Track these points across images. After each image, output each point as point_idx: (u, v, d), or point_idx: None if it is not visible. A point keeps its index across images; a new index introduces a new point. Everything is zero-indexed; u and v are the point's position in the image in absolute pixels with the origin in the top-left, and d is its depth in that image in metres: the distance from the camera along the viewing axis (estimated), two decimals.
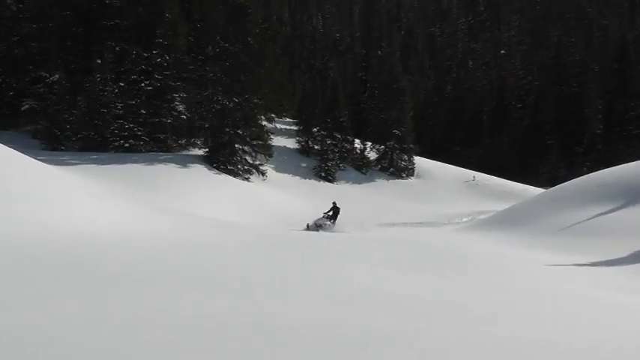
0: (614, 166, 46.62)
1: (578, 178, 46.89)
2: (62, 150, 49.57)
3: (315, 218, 35.58)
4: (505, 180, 77.10)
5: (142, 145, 52.43)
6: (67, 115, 51.18)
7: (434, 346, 8.13)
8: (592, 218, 35.12)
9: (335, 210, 35.74)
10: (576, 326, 10.98)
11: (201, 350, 7.00)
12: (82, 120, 50.54)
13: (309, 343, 7.64)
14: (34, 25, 53.37)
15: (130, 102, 51.83)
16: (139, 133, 52.25)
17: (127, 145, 51.43)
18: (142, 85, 52.66)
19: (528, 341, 8.82)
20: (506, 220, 41.16)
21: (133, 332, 7.49)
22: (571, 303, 14.36)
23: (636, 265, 24.36)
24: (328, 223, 34.47)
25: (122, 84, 51.93)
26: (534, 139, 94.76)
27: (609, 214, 34.89)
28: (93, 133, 50.51)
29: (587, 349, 8.72)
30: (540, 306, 13.30)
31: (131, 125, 51.76)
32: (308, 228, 33.59)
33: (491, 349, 8.18)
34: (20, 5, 54.38)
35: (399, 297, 12.50)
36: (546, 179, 78.63)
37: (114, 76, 51.39)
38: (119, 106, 51.24)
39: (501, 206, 52.03)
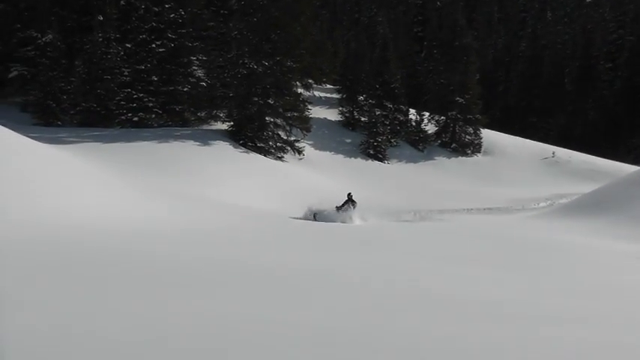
0: None
1: None
2: (58, 125, 49.71)
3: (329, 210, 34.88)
4: (591, 156, 76.97)
5: (154, 118, 52.51)
6: (63, 84, 51.27)
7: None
8: None
9: (348, 203, 34.86)
10: None
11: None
12: (82, 89, 50.61)
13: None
14: None
15: (138, 67, 51.84)
16: (150, 104, 52.25)
17: (135, 119, 51.49)
18: (153, 46, 52.62)
19: (626, 347, 9.31)
20: (594, 205, 41.07)
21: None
22: None
23: None
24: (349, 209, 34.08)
25: (128, 45, 52.02)
26: (627, 106, 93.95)
27: None
28: (94, 105, 50.59)
29: None
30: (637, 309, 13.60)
31: (140, 95, 51.77)
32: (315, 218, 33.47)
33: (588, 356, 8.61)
34: None
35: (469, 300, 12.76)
36: None
37: (119, 36, 51.46)
38: (125, 72, 51.30)
39: (587, 188, 51.69)
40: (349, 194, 34.99)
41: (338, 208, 34.02)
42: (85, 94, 50.34)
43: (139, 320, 9.05)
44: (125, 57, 51.32)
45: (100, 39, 49.95)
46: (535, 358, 8.03)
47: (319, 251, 21.48)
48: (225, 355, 7.73)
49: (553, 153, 75.42)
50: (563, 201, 49.41)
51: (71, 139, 44.15)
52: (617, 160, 75.91)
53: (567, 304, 13.42)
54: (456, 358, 7.75)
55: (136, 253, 16.23)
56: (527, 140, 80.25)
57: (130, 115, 51.27)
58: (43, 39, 51.81)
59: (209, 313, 9.86)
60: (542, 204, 52.24)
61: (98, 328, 8.64)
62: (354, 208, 33.82)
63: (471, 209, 47.93)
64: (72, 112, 51.00)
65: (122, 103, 51.06)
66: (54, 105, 50.77)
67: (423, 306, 11.29)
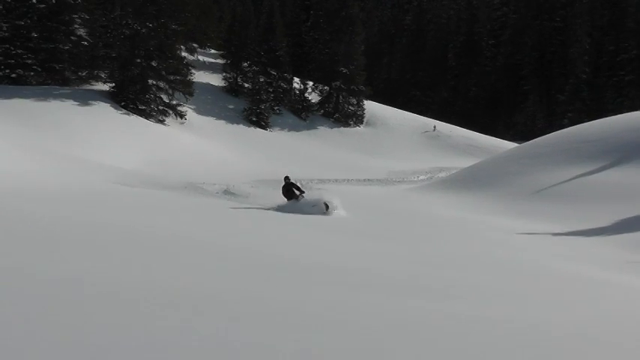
0: (601, 118, 47.79)
1: (557, 132, 48.06)
2: None
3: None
4: (472, 132, 78.59)
5: (33, 76, 51.91)
6: None
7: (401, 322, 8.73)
8: (572, 179, 36.14)
9: (291, 189, 26.87)
10: (545, 306, 11.41)
11: None
12: None
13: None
14: None
15: (17, 22, 51.05)
16: (29, 61, 51.61)
17: (13, 75, 50.86)
18: (33, 1, 51.75)
19: (493, 321, 9.11)
20: (472, 180, 42.03)
21: None
22: (542, 279, 14.71)
23: (623, 235, 25.18)
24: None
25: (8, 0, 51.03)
26: (508, 83, 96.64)
27: (592, 176, 36.00)
28: None
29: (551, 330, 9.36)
30: (506, 282, 13.65)
31: (19, 51, 51.08)
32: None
33: (453, 328, 8.47)
34: None
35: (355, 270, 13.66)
36: (520, 132, 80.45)
37: None
38: (4, 27, 50.51)
39: (466, 163, 53.26)
40: (286, 177, 27.38)
41: (289, 198, 26.25)
42: None
43: None
44: (4, 12, 50.45)
45: None
46: (378, 325, 7.94)
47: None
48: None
49: (434, 127, 76.50)
50: (443, 175, 50.72)
51: None
52: (496, 137, 77.91)
53: (435, 274, 13.72)
54: (295, 323, 7.65)
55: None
56: (410, 113, 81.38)
57: (7, 71, 50.59)
58: None
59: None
60: (421, 177, 53.16)
61: None
62: (300, 193, 26.13)
63: (351, 180, 48.85)
64: None
65: (0, 59, 50.35)
66: None
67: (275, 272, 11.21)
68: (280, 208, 24.94)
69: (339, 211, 24.24)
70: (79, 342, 6.15)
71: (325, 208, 24.05)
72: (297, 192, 25.74)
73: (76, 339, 6.21)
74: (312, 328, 7.37)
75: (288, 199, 25.72)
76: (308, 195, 25.77)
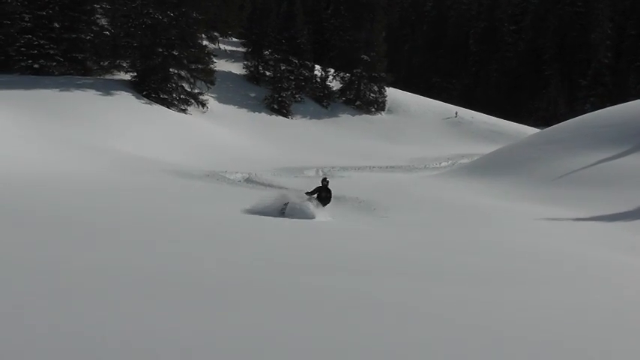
0: (623, 102, 47.53)
1: (579, 117, 47.98)
2: None
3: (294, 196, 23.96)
4: (493, 117, 78.41)
5: (55, 66, 51.99)
6: None
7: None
8: (594, 165, 36.24)
9: (321, 192, 23.87)
10: (567, 290, 11.63)
11: None
12: None
13: None
14: None
15: (39, 12, 51.15)
16: (52, 51, 51.70)
17: (36, 65, 50.95)
18: None
19: (510, 304, 9.53)
20: (493, 166, 42.05)
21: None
22: (565, 264, 14.91)
23: None
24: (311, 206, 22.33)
25: None
26: (530, 68, 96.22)
27: (614, 161, 36.04)
28: None
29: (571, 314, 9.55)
30: (526, 268, 13.76)
31: (42, 42, 51.18)
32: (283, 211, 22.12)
33: (471, 312, 8.82)
34: None
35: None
36: (542, 118, 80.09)
37: None
38: (26, 17, 50.63)
39: (488, 149, 53.35)
40: (324, 179, 24.38)
41: (308, 194, 23.46)
42: None
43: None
44: (26, 2, 50.59)
45: None
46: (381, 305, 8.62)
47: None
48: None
49: (456, 113, 76.49)
50: (465, 161, 50.36)
51: None
52: (518, 122, 77.62)
53: (447, 259, 14.07)
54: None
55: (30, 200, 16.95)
56: (431, 100, 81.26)
57: (30, 62, 50.72)
58: None
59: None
60: (443, 163, 53.13)
61: None
62: (324, 197, 23.35)
63: (374, 167, 48.75)
64: None
65: (22, 49, 50.46)
66: None
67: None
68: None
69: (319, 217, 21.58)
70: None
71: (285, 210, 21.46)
72: (315, 196, 22.95)
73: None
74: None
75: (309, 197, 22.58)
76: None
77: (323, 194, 23.31)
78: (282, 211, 21.06)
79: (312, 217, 21.16)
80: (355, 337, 6.86)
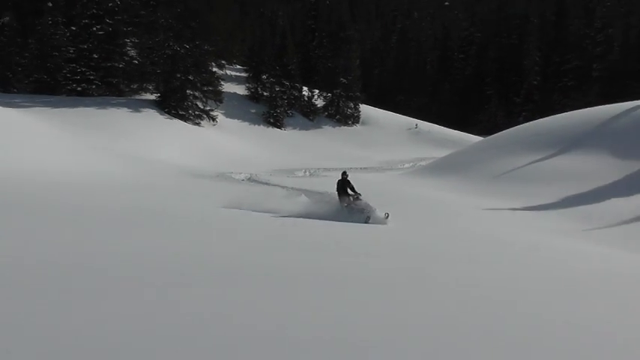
0: (549, 116, 47.66)
1: (514, 127, 47.97)
2: (14, 92, 48.87)
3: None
4: (445, 128, 78.19)
5: (94, 89, 52.07)
6: (18, 58, 50.33)
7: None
8: (526, 165, 36.37)
9: (343, 183, 18.97)
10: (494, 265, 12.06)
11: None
12: (34, 63, 49.77)
13: None
14: None
15: (81, 46, 51.24)
16: (91, 77, 51.85)
17: (79, 88, 51.02)
18: (94, 29, 51.95)
19: (461, 277, 9.75)
20: (446, 167, 42.31)
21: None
22: (496, 245, 15.19)
23: (567, 209, 25.51)
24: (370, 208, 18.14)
25: (74, 28, 51.21)
26: (475, 89, 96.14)
27: (542, 162, 36.16)
28: (45, 77, 49.86)
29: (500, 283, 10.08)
30: (469, 247, 14.17)
31: (83, 69, 51.30)
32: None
33: (427, 284, 9.09)
34: None
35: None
36: (485, 128, 79.82)
37: (65, 20, 50.57)
38: (71, 49, 50.60)
39: (441, 153, 53.32)
40: (344, 173, 19.33)
41: (344, 197, 18.70)
42: (37, 67, 49.55)
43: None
44: (71, 37, 50.55)
45: (50, 22, 49.09)
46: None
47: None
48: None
49: (416, 125, 76.19)
50: (423, 163, 50.61)
51: (25, 103, 43.74)
52: (465, 132, 77.69)
53: (419, 241, 14.56)
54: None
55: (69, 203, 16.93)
56: (396, 114, 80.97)
57: (74, 85, 50.80)
58: (2, 20, 50.57)
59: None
60: (406, 165, 53.34)
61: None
62: (356, 195, 18.54)
63: (351, 168, 48.56)
64: (26, 81, 50.13)
65: (68, 75, 50.53)
66: (11, 75, 49.94)
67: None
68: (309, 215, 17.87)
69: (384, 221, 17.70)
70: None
71: (386, 217, 17.78)
72: (352, 192, 18.42)
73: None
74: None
75: (340, 198, 18.43)
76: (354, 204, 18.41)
77: (347, 189, 18.66)
78: (367, 220, 17.36)
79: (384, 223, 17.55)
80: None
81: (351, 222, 17.24)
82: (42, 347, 4.98)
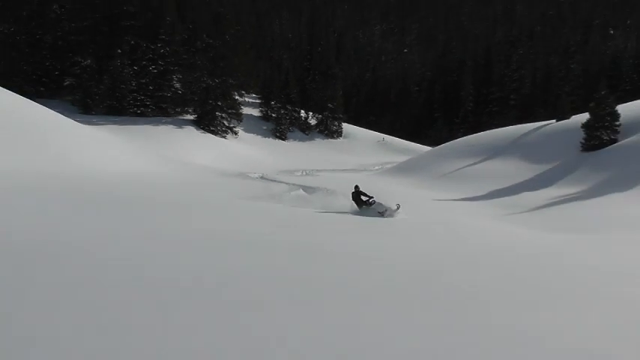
0: (479, 132, 48.20)
1: (455, 140, 48.48)
2: (92, 114, 48.90)
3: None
4: (405, 140, 78.16)
5: (150, 111, 52.27)
6: (95, 89, 50.53)
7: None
8: (463, 168, 36.99)
9: (357, 194, 17.55)
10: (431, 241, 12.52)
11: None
12: (107, 93, 49.97)
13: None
14: (73, 24, 52.46)
15: (141, 81, 51.54)
16: (148, 102, 52.11)
17: (138, 111, 51.22)
18: (150, 68, 52.26)
19: (400, 246, 10.04)
20: (405, 169, 42.78)
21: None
22: (442, 225, 15.62)
23: (492, 200, 25.99)
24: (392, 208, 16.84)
25: (135, 67, 51.35)
26: (426, 112, 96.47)
27: (474, 165, 36.73)
28: (114, 103, 50.07)
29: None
30: (418, 226, 14.88)
31: (142, 97, 51.57)
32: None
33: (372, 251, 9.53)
34: (62, 9, 53.12)
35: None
36: (434, 140, 79.71)
37: (130, 62, 50.67)
38: (133, 83, 50.86)
39: (402, 159, 53.70)
40: (356, 186, 17.66)
41: (358, 203, 17.35)
42: (109, 96, 49.73)
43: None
44: (133, 74, 50.68)
45: (119, 63, 49.21)
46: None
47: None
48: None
49: (383, 138, 76.07)
50: (388, 166, 50.65)
51: (100, 122, 43.96)
52: (420, 143, 77.78)
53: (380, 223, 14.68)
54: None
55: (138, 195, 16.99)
56: (369, 130, 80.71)
57: (135, 109, 50.95)
58: (84, 62, 50.80)
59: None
60: (376, 167, 53.25)
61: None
62: (369, 198, 17.29)
63: (335, 169, 49.15)
64: (101, 106, 50.16)
65: (131, 102, 50.64)
66: (90, 102, 50.06)
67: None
68: (357, 213, 16.64)
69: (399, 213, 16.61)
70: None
71: (396, 209, 16.66)
72: (366, 198, 17.09)
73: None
74: None
75: (358, 205, 17.05)
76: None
77: (361, 197, 17.32)
78: (382, 214, 16.28)
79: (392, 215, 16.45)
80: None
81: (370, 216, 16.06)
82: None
